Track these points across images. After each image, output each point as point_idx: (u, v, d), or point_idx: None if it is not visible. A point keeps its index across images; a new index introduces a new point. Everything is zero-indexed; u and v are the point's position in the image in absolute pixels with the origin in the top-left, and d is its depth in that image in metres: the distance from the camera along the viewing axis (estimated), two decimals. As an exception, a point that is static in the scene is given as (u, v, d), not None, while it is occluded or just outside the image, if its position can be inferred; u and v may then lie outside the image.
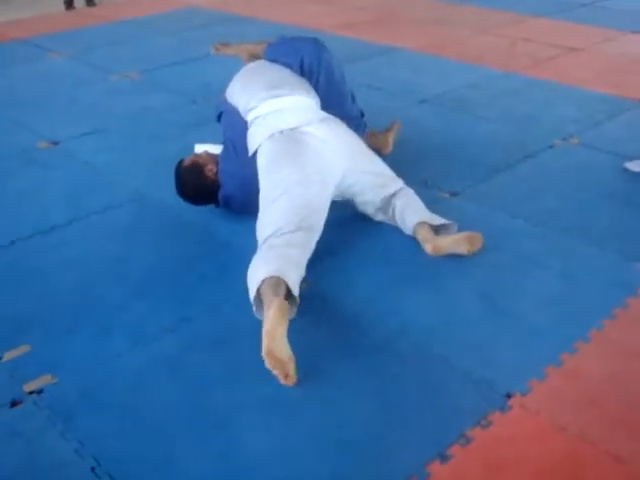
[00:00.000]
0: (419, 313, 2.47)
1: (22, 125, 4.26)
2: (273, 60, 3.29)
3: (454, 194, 3.26)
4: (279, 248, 2.47)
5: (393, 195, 2.91)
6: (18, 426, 2.05)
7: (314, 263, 2.62)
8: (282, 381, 2.11)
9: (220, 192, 3.01)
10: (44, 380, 2.21)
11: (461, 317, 2.44)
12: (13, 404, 2.13)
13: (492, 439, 1.96)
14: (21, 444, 1.99)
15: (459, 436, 1.96)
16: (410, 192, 2.96)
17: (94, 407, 2.11)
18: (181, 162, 3.08)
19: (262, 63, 3.32)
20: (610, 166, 3.51)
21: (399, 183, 2.96)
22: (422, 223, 2.81)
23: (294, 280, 2.38)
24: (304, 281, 2.52)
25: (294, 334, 2.31)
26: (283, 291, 2.31)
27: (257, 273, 2.38)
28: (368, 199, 2.93)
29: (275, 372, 2.11)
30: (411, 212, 2.86)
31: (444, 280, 2.64)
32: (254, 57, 3.45)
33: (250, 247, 2.64)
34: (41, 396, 2.15)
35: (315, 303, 2.51)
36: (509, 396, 2.09)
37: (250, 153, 2.89)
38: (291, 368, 2.12)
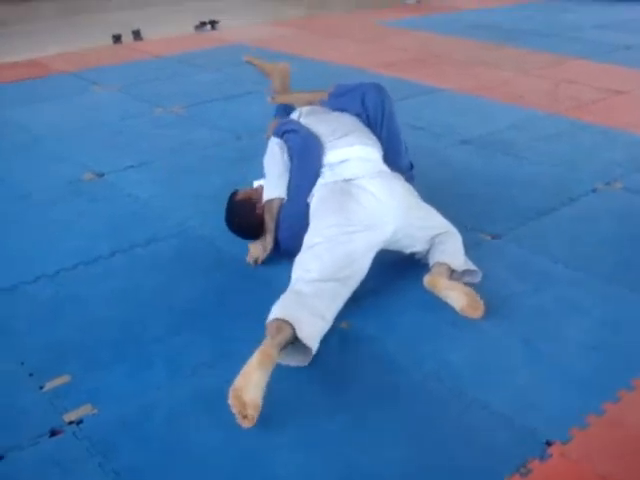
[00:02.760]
0: (458, 357, 2.45)
1: (68, 157, 4.35)
2: (338, 110, 3.25)
3: (496, 236, 3.25)
4: (306, 297, 2.44)
5: (435, 237, 2.89)
6: (57, 456, 2.07)
7: (354, 302, 2.63)
8: (239, 421, 2.10)
9: (278, 234, 2.99)
10: (84, 410, 2.23)
11: (501, 362, 2.42)
12: (52, 433, 2.14)
13: (532, 488, 1.93)
14: (58, 474, 2.01)
15: (498, 483, 1.94)
16: (453, 235, 2.91)
17: (133, 439, 2.12)
18: (234, 193, 3.08)
19: (327, 110, 3.30)
20: (654, 212, 3.48)
21: (449, 229, 2.93)
22: (441, 263, 2.79)
23: (309, 330, 2.34)
24: (344, 321, 2.53)
25: (330, 372, 2.33)
26: (283, 338, 2.29)
27: (273, 311, 2.39)
28: (417, 250, 2.91)
29: (233, 410, 2.10)
30: (439, 252, 2.83)
31: (484, 324, 2.62)
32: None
33: (289, 284, 2.65)
34: (80, 426, 2.17)
35: (354, 343, 2.51)
36: (549, 444, 2.06)
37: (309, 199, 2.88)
38: (250, 413, 2.09)
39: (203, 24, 8.36)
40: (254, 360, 2.19)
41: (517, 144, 4.39)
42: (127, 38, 7.79)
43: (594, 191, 3.71)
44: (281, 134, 3.08)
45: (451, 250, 2.84)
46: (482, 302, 2.66)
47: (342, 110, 3.25)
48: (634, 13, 9.08)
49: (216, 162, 4.20)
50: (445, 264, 2.77)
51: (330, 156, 2.96)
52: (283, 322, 2.31)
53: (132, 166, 4.16)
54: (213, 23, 8.41)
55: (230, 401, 2.11)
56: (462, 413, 2.20)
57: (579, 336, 2.55)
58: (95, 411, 2.23)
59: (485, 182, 3.83)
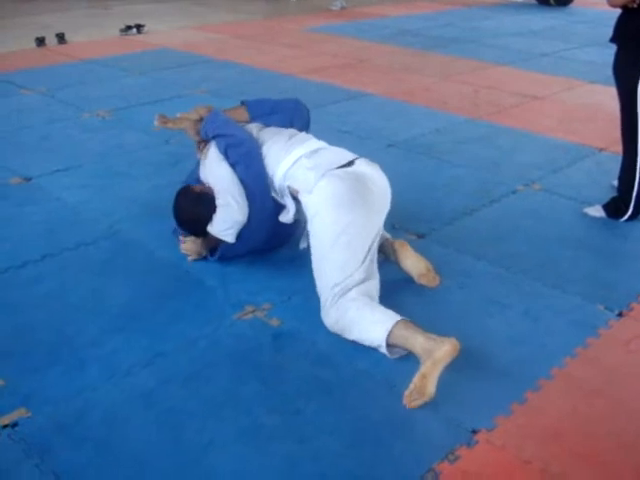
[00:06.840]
0: (388, 351, 2.53)
1: (-6, 161, 4.29)
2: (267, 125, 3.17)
3: (421, 236, 3.35)
4: (372, 304, 2.55)
5: None
6: (-8, 459, 2.07)
7: (286, 302, 2.71)
8: (408, 401, 2.27)
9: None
10: (18, 413, 2.22)
11: (429, 356, 2.51)
12: (-13, 437, 2.14)
13: (459, 473, 2.02)
14: (-4, 477, 2.01)
15: (427, 470, 2.02)
16: None
17: (69, 440, 2.13)
18: (189, 187, 3.07)
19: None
20: (571, 211, 3.65)
21: None
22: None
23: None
24: (276, 318, 2.60)
25: (265, 369, 2.39)
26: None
27: (372, 322, 2.47)
28: None
29: (411, 396, 2.26)
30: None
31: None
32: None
33: (223, 286, 2.71)
34: (16, 429, 2.16)
35: (286, 341, 2.57)
36: (475, 432, 2.16)
37: (309, 190, 2.75)
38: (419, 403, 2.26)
39: (129, 28, 8.30)
40: (446, 355, 2.28)
41: (440, 148, 4.53)
42: (51, 41, 7.68)
43: (514, 192, 3.87)
44: (212, 136, 3.02)
45: None
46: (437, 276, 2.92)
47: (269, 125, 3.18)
48: (548, 21, 9.45)
49: (145, 166, 4.20)
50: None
51: (299, 150, 2.90)
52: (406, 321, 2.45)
53: (60, 170, 4.13)
54: (139, 27, 8.37)
55: (413, 387, 2.26)
56: (392, 406, 2.27)
57: (502, 330, 2.67)
58: (30, 414, 2.23)
59: (410, 184, 3.94)
